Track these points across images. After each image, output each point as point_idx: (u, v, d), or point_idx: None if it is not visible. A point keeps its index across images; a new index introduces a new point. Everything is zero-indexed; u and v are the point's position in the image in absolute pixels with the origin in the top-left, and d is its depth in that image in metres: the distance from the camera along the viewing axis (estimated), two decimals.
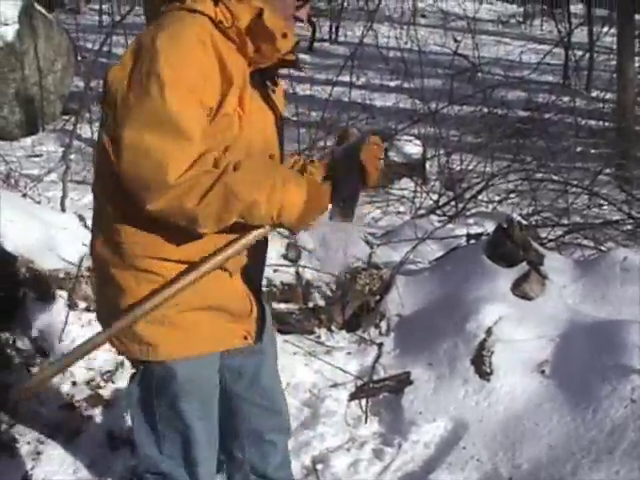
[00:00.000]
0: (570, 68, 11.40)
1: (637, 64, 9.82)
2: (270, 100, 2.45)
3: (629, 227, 6.20)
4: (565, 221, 6.37)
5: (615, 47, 9.66)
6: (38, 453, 3.61)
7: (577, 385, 3.66)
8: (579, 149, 8.46)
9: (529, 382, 3.80)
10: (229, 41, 2.27)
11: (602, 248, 5.60)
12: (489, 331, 3.95)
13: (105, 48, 8.10)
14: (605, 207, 6.81)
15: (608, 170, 7.85)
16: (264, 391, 2.72)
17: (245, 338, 2.55)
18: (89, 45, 11.59)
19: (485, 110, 9.00)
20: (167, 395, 2.45)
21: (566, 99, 9.45)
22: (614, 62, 10.06)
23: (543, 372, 3.81)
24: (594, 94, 10.64)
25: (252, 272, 2.55)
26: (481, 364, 3.89)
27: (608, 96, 9.76)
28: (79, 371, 3.89)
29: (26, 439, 3.66)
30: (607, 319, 3.97)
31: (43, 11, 10.34)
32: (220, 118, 2.24)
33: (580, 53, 11.68)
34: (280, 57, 2.37)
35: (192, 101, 2.15)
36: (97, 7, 16.94)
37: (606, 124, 9.22)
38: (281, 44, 2.32)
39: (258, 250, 2.52)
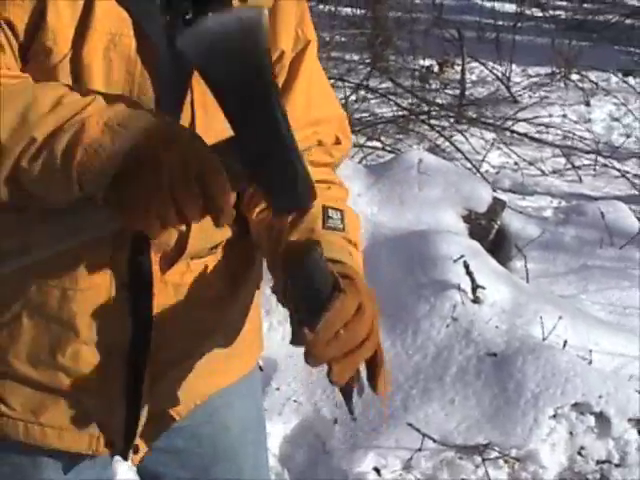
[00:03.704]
0: None
1: None
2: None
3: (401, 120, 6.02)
4: None
5: None
6: None
7: (391, 306, 3.33)
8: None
9: None
10: None
11: (386, 148, 5.34)
12: None
13: None
14: (374, 100, 6.58)
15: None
16: None
17: (106, 445, 1.49)
18: None
19: None
20: None
21: None
22: None
23: None
24: None
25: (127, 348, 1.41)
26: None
27: None
28: None
29: None
30: (414, 230, 3.67)
31: None
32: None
33: None
34: None
35: None
36: None
37: None
38: None
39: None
